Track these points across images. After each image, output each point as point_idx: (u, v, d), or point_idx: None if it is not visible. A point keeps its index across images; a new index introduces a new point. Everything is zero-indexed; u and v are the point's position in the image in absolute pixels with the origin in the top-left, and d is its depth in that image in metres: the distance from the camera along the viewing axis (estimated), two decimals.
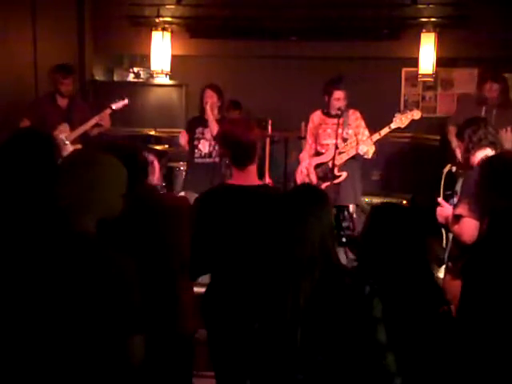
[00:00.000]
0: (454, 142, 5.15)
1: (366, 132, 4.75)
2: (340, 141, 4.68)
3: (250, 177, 2.58)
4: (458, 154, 5.05)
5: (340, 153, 4.66)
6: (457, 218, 2.99)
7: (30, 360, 1.66)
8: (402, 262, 2.16)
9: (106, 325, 1.67)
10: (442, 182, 3.92)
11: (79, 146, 4.97)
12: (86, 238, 1.73)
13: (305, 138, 5.74)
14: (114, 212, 1.85)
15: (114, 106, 5.15)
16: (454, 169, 5.02)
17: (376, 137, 4.62)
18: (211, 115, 4.88)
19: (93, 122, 5.06)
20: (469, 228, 2.90)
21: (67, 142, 4.92)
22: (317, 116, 4.91)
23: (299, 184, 3.92)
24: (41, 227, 1.76)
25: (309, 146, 5.02)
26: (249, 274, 2.42)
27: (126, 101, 5.21)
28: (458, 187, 5.11)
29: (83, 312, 1.65)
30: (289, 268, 1.88)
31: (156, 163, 2.76)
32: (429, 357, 2.09)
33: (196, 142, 5.07)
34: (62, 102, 5.09)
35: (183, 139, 5.10)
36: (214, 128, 4.85)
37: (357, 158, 4.75)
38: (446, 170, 4.58)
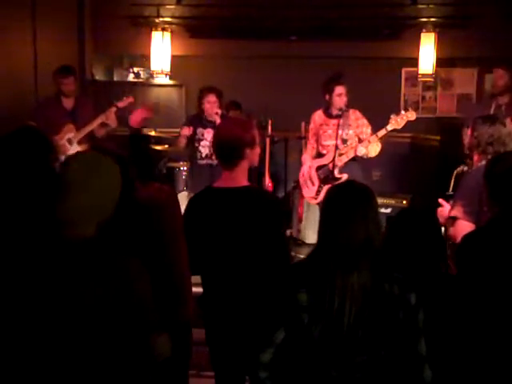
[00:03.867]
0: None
1: (369, 130, 4.72)
2: (340, 142, 4.68)
3: (236, 178, 2.48)
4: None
5: (340, 154, 4.66)
6: (452, 219, 2.98)
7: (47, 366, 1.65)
8: (426, 268, 2.11)
9: (122, 327, 1.66)
10: (452, 183, 3.87)
11: (86, 147, 4.91)
12: (88, 244, 1.69)
13: (305, 137, 5.75)
14: (109, 214, 1.78)
15: (119, 104, 5.08)
16: (465, 169, 5.05)
17: (374, 139, 4.61)
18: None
19: (98, 121, 4.98)
20: (463, 230, 2.85)
21: (74, 142, 4.90)
22: (318, 116, 4.88)
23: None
24: (38, 237, 1.72)
25: (310, 147, 5.00)
26: (248, 273, 2.43)
27: (131, 98, 5.15)
28: None
29: (96, 318, 1.63)
30: (336, 268, 1.81)
31: None
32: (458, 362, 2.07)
33: (197, 144, 5.08)
34: (67, 103, 5.05)
35: (187, 130, 5.01)
36: None
37: (357, 159, 4.74)
38: (458, 170, 4.55)
